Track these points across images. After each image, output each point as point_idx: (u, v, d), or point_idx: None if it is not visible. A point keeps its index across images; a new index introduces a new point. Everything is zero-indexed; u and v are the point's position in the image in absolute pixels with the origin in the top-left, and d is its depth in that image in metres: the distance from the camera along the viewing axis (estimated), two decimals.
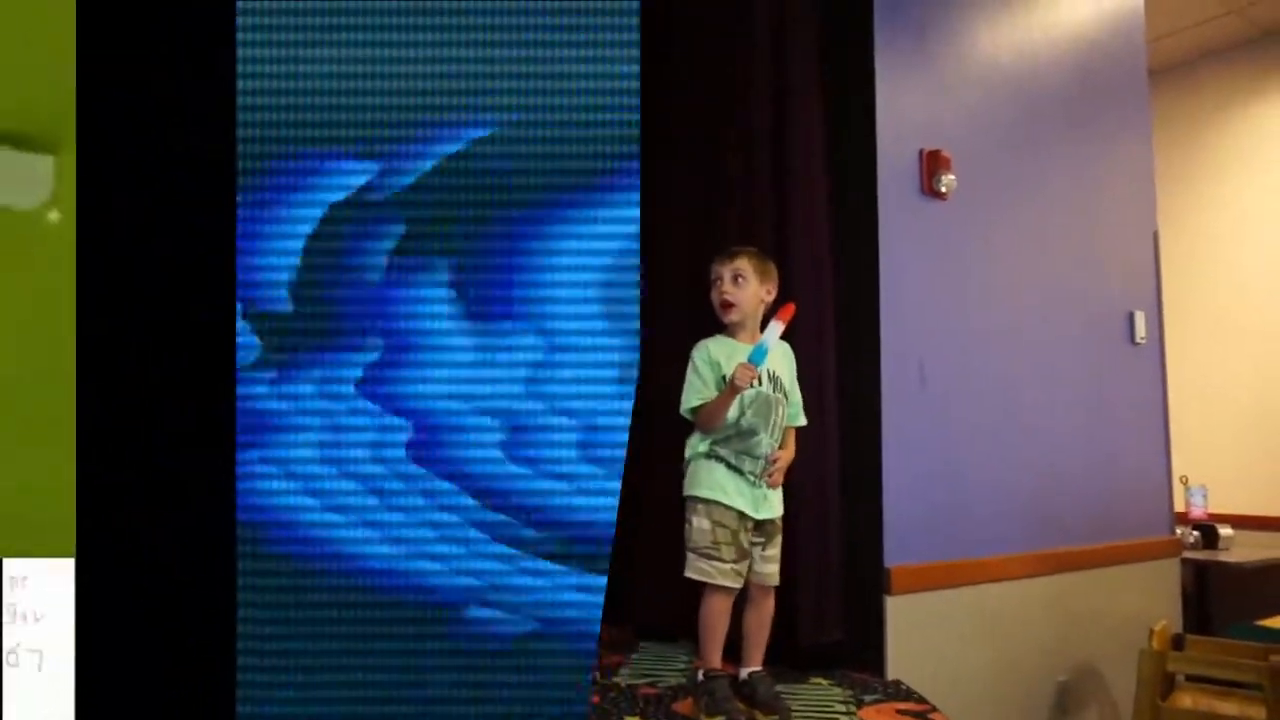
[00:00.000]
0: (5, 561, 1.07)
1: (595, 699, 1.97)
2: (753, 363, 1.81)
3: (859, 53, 2.39)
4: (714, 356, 1.89)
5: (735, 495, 1.85)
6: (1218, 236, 4.61)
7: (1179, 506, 3.85)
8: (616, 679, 2.15)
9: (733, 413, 1.86)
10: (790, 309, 1.87)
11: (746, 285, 1.91)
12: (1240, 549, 3.85)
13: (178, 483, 1.22)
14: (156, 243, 1.22)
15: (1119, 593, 2.92)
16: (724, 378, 1.86)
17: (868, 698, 1.99)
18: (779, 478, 1.92)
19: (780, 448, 1.92)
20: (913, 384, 2.38)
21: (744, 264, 1.91)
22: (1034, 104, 2.87)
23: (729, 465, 1.87)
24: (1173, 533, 3.28)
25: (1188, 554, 3.59)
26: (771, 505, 1.92)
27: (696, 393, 1.88)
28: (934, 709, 1.92)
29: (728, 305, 1.91)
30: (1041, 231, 2.85)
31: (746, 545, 1.86)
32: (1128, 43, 3.34)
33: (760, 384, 1.86)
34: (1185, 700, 2.51)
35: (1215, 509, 4.11)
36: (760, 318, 1.96)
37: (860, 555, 2.27)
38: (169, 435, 1.22)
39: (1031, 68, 2.89)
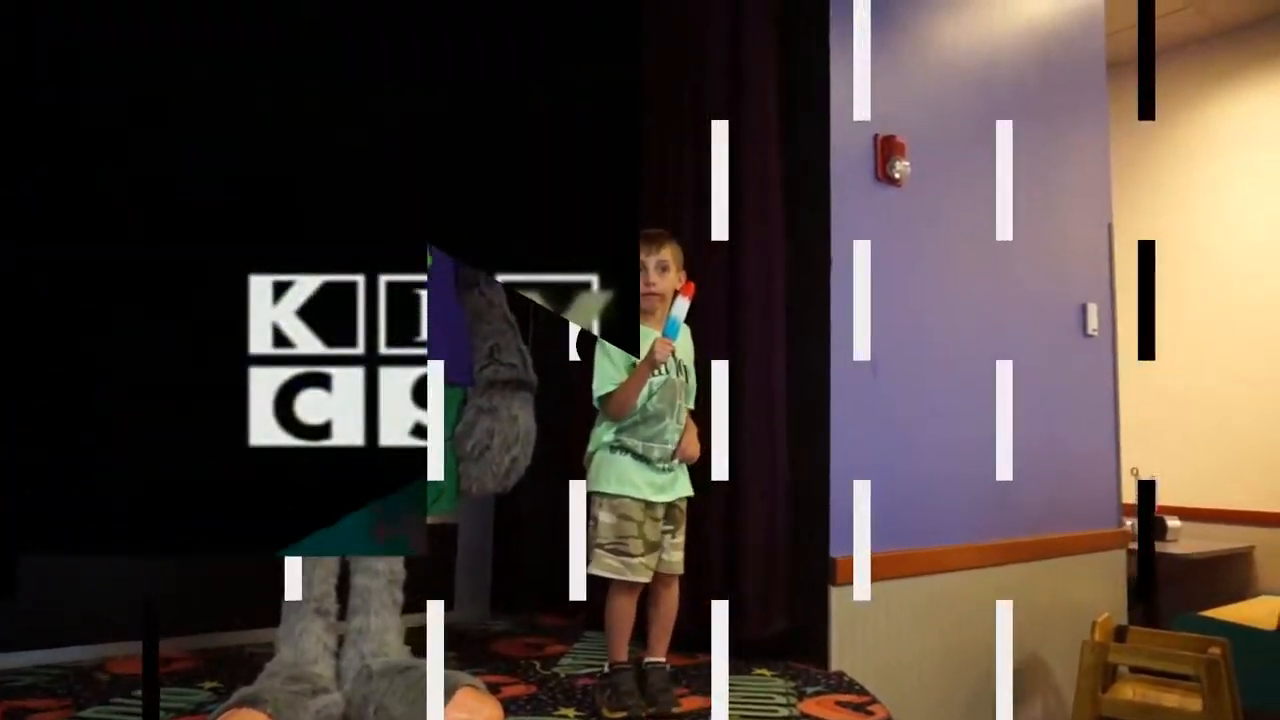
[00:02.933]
0: None
1: (534, 689, 1.93)
2: (668, 337, 1.79)
3: (813, 35, 2.35)
4: None
5: (644, 486, 1.81)
6: (1174, 231, 4.64)
7: (1129, 498, 3.89)
8: (557, 669, 2.11)
9: (640, 397, 1.82)
10: (692, 286, 1.85)
11: (668, 274, 1.88)
12: (1188, 540, 3.91)
13: None
14: None
15: (1067, 584, 2.93)
16: (633, 364, 1.83)
17: (809, 689, 1.97)
18: (693, 450, 1.87)
19: (683, 430, 1.89)
20: (863, 373, 2.35)
21: (668, 254, 1.88)
22: (991, 93, 2.85)
23: (635, 455, 1.83)
24: (1121, 524, 3.30)
25: (1136, 545, 3.62)
26: (679, 486, 1.88)
27: (610, 379, 1.83)
28: (874, 700, 1.90)
29: (652, 295, 1.87)
30: (995, 222, 2.83)
31: (654, 536, 1.82)
32: (1087, 35, 3.33)
33: (666, 369, 1.83)
34: (1126, 692, 2.52)
35: (1164, 501, 4.16)
36: (670, 301, 1.93)
37: (806, 545, 2.24)
38: None
39: (989, 56, 2.87)
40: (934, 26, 2.68)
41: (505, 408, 1.72)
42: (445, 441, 1.71)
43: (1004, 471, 1.20)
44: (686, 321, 1.87)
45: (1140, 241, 1.14)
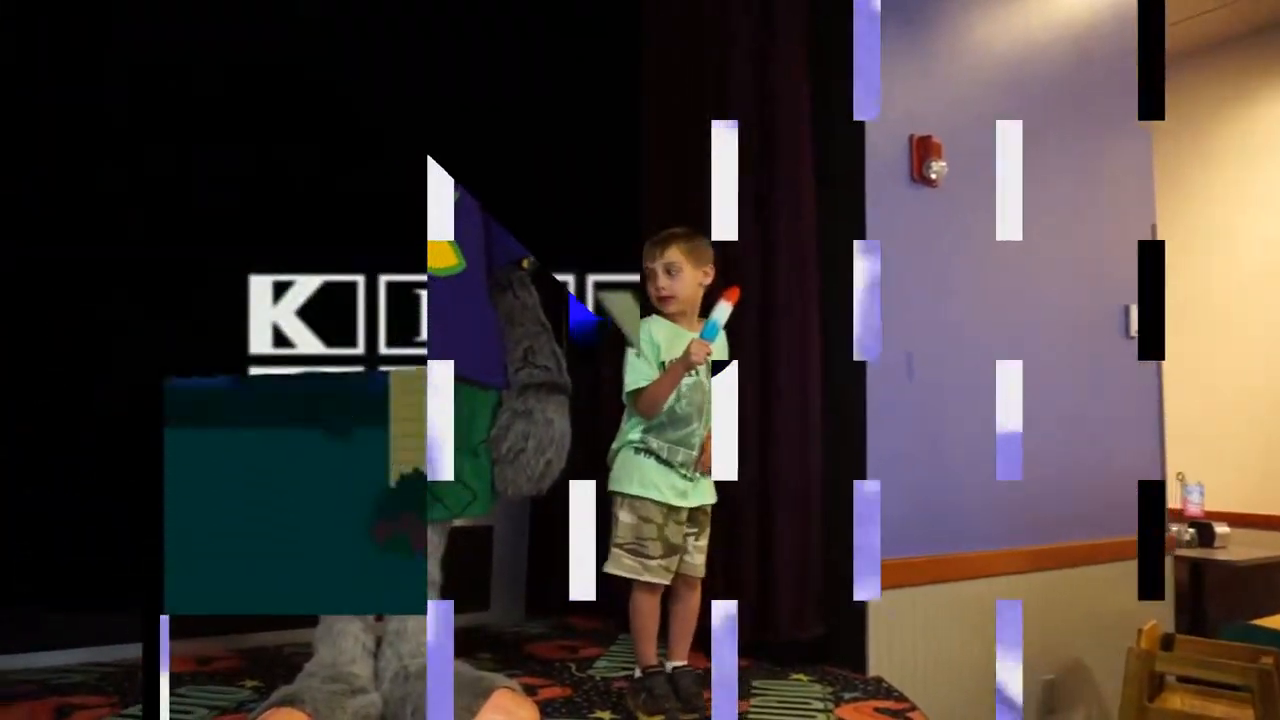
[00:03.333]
0: None
1: (570, 691, 1.93)
2: (707, 339, 1.76)
3: (848, 33, 2.33)
4: (655, 338, 1.83)
5: (665, 490, 1.80)
6: (1217, 231, 4.55)
7: (1175, 503, 3.80)
8: (592, 671, 2.11)
9: (669, 398, 1.81)
10: (736, 291, 1.81)
11: (681, 275, 1.84)
12: (1237, 547, 3.80)
13: None
14: None
15: (1109, 590, 2.87)
16: (664, 363, 1.81)
17: (847, 695, 1.95)
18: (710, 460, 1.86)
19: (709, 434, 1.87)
20: (899, 376, 2.33)
21: (675, 254, 1.84)
22: (1029, 93, 2.81)
23: (659, 459, 1.82)
24: (1166, 530, 3.23)
25: (1183, 551, 3.54)
26: (703, 492, 1.87)
27: (642, 374, 1.81)
28: (914, 707, 1.88)
29: (665, 299, 1.85)
30: (1034, 222, 2.78)
31: (676, 539, 1.81)
32: (1125, 34, 3.27)
33: (695, 371, 1.81)
34: (1174, 701, 2.46)
35: (1212, 507, 4.06)
36: (700, 301, 1.90)
37: (843, 550, 2.21)
38: None
39: (1027, 56, 2.83)
40: (971, 27, 2.65)
41: (540, 411, 1.72)
42: (480, 444, 1.73)
43: (1010, 471, 1.16)
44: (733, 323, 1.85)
45: (1141, 242, 1.12)
